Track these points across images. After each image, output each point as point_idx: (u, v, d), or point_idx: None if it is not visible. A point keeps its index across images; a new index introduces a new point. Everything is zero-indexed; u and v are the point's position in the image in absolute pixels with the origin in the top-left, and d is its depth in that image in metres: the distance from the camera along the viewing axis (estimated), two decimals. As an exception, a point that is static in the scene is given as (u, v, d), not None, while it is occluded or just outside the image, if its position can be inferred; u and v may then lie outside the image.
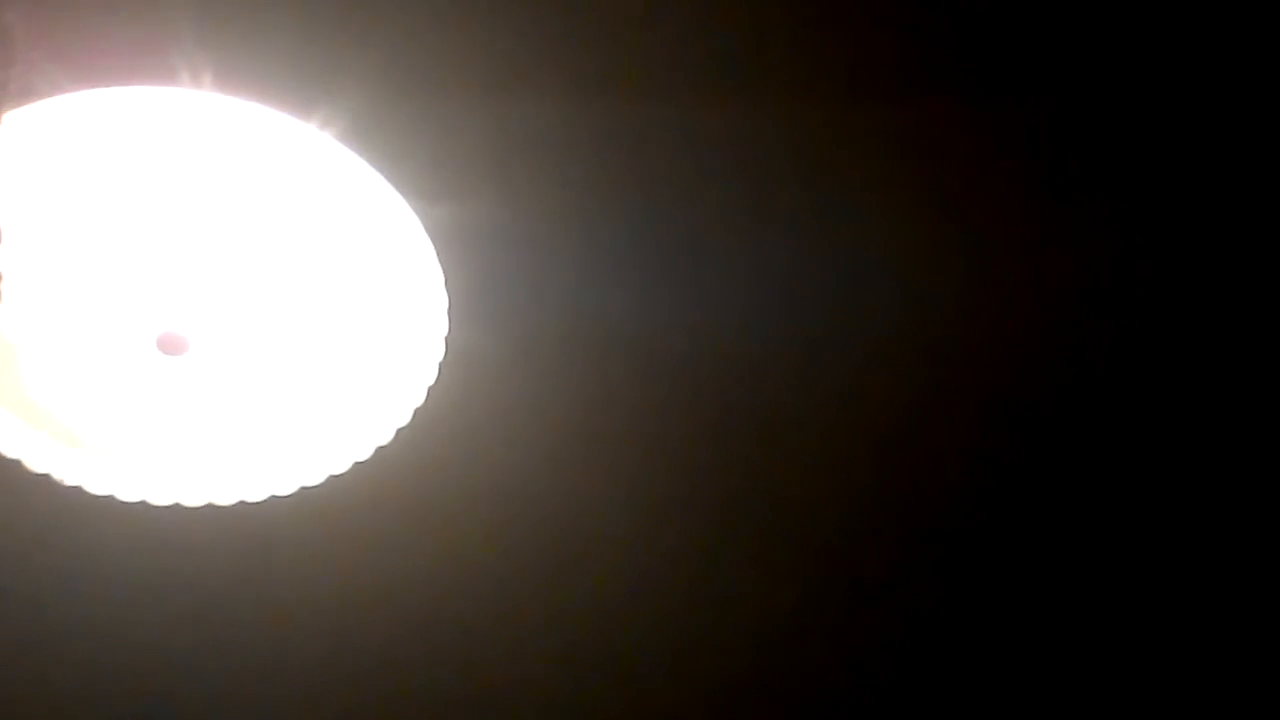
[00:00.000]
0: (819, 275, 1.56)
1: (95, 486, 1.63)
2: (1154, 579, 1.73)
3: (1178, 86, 1.45)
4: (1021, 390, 1.61)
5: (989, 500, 1.68)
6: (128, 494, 1.64)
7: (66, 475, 1.63)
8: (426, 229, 1.52)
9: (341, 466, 1.64)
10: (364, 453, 1.63)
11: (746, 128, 1.47)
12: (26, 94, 1.31)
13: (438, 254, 1.54)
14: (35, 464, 1.61)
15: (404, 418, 1.61)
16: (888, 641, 1.79)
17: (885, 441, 1.64)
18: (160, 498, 1.65)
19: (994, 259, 1.53)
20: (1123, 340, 1.58)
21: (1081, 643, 1.77)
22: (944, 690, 1.79)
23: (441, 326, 1.57)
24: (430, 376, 1.59)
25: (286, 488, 1.64)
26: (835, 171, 1.49)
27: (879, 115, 1.45)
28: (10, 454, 1.61)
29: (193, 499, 1.65)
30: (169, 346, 1.56)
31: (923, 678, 1.81)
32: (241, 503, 1.65)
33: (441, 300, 1.56)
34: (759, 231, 1.55)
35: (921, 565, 1.73)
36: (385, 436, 1.63)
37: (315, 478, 1.64)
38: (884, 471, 1.66)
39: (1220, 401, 1.62)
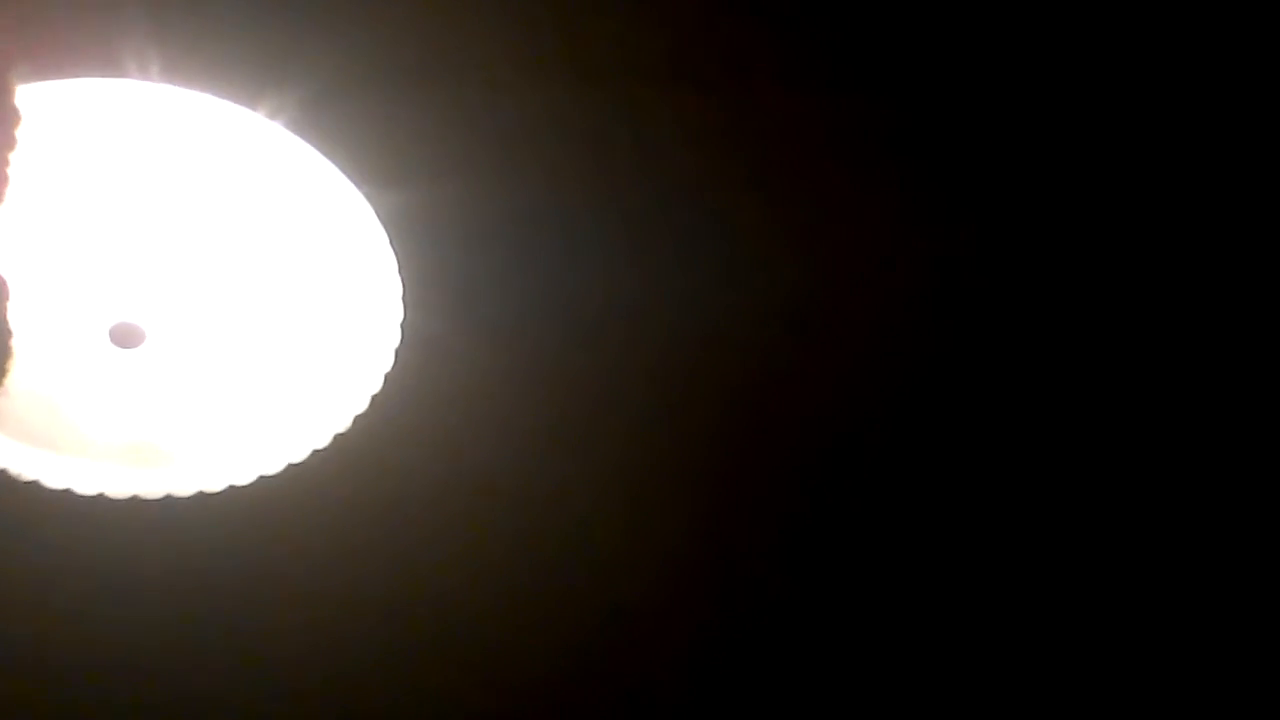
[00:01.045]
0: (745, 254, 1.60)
1: (52, 481, 1.63)
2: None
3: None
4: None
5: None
6: (85, 488, 1.64)
7: (25, 470, 1.62)
8: (379, 216, 1.53)
9: (301, 454, 1.64)
10: (323, 440, 1.63)
11: (692, 115, 1.49)
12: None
13: (390, 240, 1.54)
14: (-8, 460, 1.61)
15: (362, 404, 1.62)
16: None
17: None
18: (119, 491, 1.64)
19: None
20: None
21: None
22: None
23: (397, 313, 1.57)
24: (387, 363, 1.59)
25: (246, 477, 1.64)
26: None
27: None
28: (-34, 451, 1.60)
29: (152, 491, 1.64)
30: (122, 339, 1.55)
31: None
32: (201, 493, 1.65)
33: (396, 286, 1.56)
34: (703, 211, 1.57)
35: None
36: (344, 423, 1.63)
37: (275, 466, 1.64)
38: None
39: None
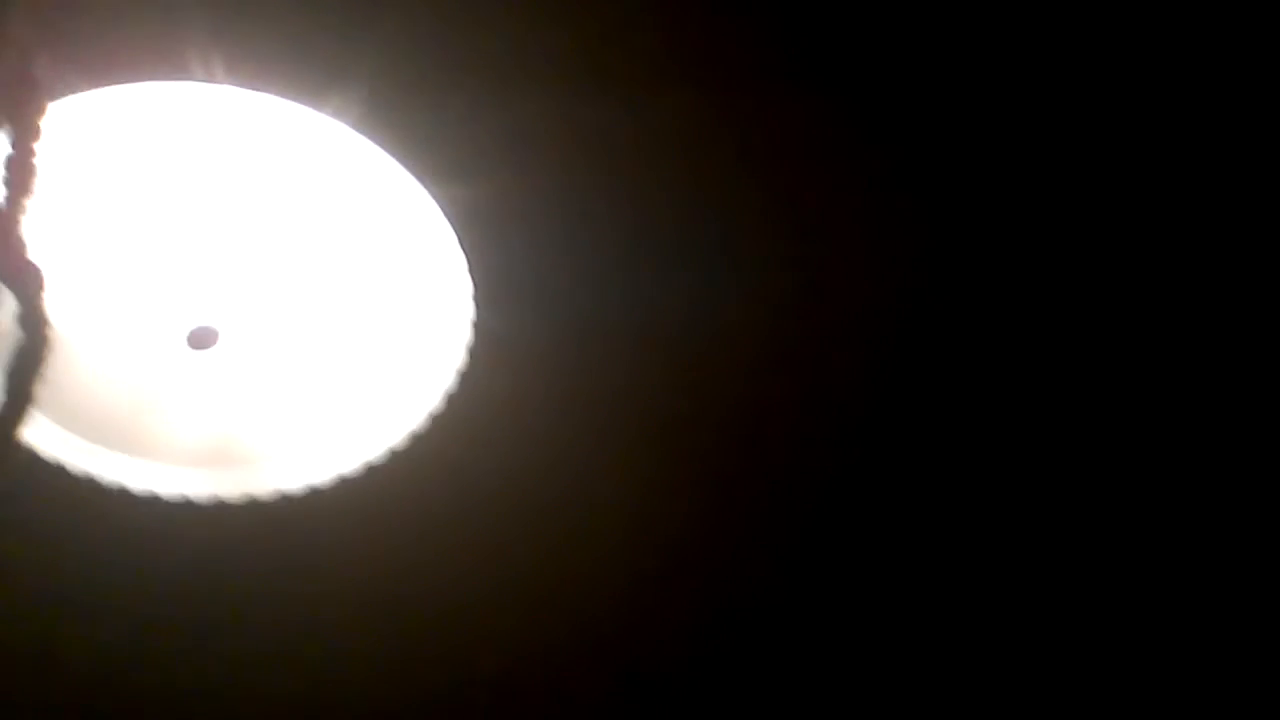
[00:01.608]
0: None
1: (136, 485, 1.65)
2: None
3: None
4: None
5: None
6: (169, 492, 1.66)
7: (109, 475, 1.64)
8: (446, 214, 1.52)
9: (379, 454, 1.64)
10: (400, 440, 1.64)
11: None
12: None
13: (459, 238, 1.54)
14: (78, 465, 1.64)
15: (437, 403, 1.62)
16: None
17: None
18: (201, 494, 1.66)
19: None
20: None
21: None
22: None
23: (468, 311, 1.57)
24: (460, 361, 1.60)
25: (325, 478, 1.65)
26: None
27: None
28: (52, 458, 1.63)
29: (233, 494, 1.66)
30: (199, 342, 1.57)
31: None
32: (282, 496, 1.66)
33: (466, 285, 1.56)
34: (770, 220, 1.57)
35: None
36: (420, 423, 1.63)
37: (354, 466, 1.65)
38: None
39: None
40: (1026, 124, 1.52)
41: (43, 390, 1.08)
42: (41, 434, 1.62)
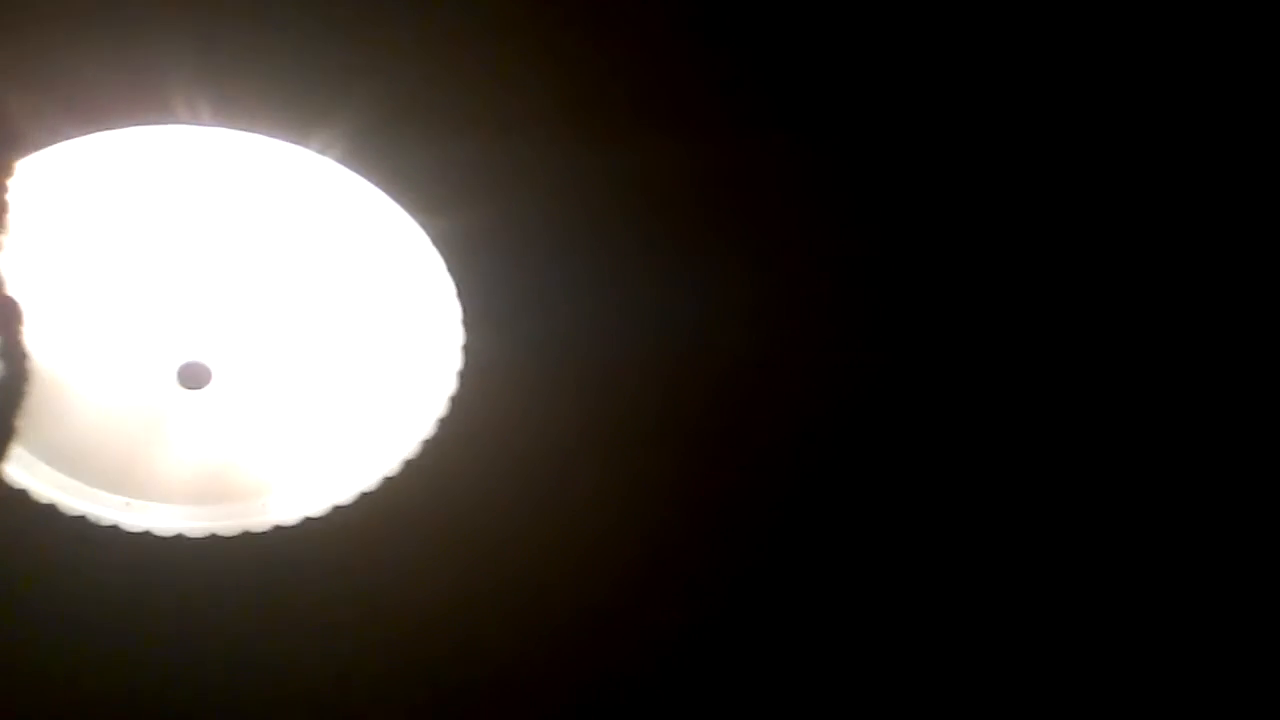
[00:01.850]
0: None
1: (131, 524, 1.66)
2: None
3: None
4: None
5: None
6: (163, 529, 1.66)
7: (103, 515, 1.65)
8: (433, 241, 1.54)
9: (373, 482, 1.66)
10: (393, 468, 1.65)
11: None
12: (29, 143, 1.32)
13: (447, 265, 1.55)
14: (70, 506, 1.64)
15: (428, 430, 1.63)
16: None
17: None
18: (196, 530, 1.67)
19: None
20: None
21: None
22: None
23: (457, 336, 1.59)
24: (450, 387, 1.61)
25: (319, 508, 1.66)
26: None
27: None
28: (45, 498, 1.63)
29: (228, 529, 1.67)
30: (190, 380, 1.58)
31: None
32: (277, 527, 1.67)
33: (455, 310, 1.57)
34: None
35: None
36: (411, 450, 1.64)
37: (347, 495, 1.66)
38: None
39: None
40: (988, 149, 1.55)
41: (27, 426, 1.08)
42: (34, 475, 1.62)
